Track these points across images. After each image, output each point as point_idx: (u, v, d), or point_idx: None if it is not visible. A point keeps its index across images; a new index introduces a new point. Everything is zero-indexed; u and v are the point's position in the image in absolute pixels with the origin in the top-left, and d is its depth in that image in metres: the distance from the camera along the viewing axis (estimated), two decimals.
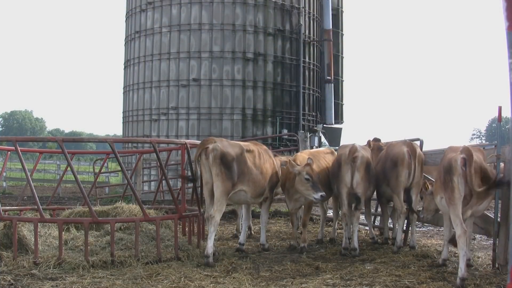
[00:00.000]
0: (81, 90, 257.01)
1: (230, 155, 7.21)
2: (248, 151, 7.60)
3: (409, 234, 8.45)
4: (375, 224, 10.58)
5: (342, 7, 26.49)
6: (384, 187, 8.33)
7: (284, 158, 9.36)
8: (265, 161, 7.88)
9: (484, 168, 5.98)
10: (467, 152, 5.90)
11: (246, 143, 7.99)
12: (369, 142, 9.06)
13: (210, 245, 7.06)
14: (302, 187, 7.71)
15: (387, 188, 8.22)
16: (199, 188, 7.94)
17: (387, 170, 8.07)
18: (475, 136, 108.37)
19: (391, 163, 8.02)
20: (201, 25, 20.55)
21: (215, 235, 9.73)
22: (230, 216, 12.42)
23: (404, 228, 8.74)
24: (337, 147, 10.82)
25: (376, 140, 9.16)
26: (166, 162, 10.62)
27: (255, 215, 11.47)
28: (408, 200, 8.13)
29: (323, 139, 23.36)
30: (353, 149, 7.84)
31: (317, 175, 7.77)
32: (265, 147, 8.33)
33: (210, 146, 7.15)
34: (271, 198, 8.30)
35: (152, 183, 19.59)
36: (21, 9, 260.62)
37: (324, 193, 7.67)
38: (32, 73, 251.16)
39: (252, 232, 10.04)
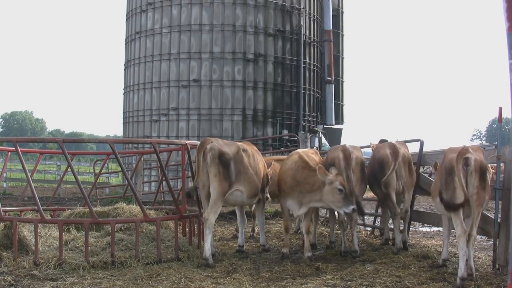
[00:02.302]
0: (82, 91, 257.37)
1: (228, 154, 7.14)
2: (244, 150, 7.52)
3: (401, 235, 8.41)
4: (376, 225, 10.58)
5: (342, 8, 26.51)
6: (376, 189, 8.33)
7: (271, 159, 9.32)
8: (258, 161, 7.80)
9: (483, 167, 5.97)
10: (464, 151, 5.90)
11: (240, 143, 7.88)
12: (372, 145, 9.06)
13: (207, 248, 7.03)
14: (332, 198, 7.02)
15: (379, 190, 8.21)
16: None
17: (376, 173, 8.06)
18: (475, 136, 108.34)
19: (378, 166, 8.01)
20: (202, 26, 20.56)
21: (216, 236, 9.77)
22: (230, 216, 12.43)
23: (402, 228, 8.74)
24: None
25: (383, 141, 9.11)
26: (167, 162, 10.62)
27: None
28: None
29: (323, 140, 23.38)
30: (346, 151, 7.54)
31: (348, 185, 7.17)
32: (255, 148, 8.20)
33: (208, 146, 7.07)
34: (264, 199, 8.17)
35: (153, 183, 19.61)
36: (21, 9, 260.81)
37: (355, 206, 7.04)
38: (32, 74, 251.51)
39: (255, 234, 10.02)
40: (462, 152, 5.90)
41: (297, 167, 7.42)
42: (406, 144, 8.66)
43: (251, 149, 7.85)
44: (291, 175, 7.45)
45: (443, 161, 6.44)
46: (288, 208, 7.69)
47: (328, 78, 23.77)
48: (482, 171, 5.92)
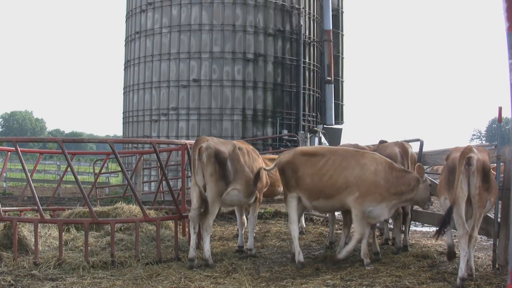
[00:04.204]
0: (82, 91, 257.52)
1: (224, 153, 6.99)
2: (239, 148, 7.39)
3: (402, 235, 8.39)
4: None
5: (342, 8, 26.51)
6: None
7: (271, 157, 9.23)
8: (254, 159, 7.63)
9: (486, 168, 5.95)
10: (468, 151, 5.88)
11: (235, 141, 7.74)
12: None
13: (207, 249, 7.00)
14: (424, 196, 7.02)
15: None
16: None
17: None
18: (475, 136, 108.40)
19: None
20: (201, 26, 20.56)
21: (215, 236, 9.77)
22: (230, 216, 12.42)
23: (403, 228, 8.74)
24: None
25: (382, 142, 9.12)
26: (166, 162, 10.62)
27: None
28: None
29: (323, 140, 23.38)
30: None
31: None
32: (252, 147, 8.04)
33: (203, 145, 6.91)
34: (260, 200, 7.98)
35: (152, 183, 19.60)
36: (21, 9, 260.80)
37: None
38: (32, 74, 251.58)
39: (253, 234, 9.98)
40: (465, 152, 5.89)
41: (384, 168, 6.98)
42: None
43: (247, 147, 7.73)
44: (384, 177, 6.91)
45: (447, 161, 6.42)
46: (369, 213, 6.96)
47: (328, 78, 23.77)
48: (484, 172, 5.89)
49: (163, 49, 21.15)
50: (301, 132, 17.05)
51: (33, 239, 7.10)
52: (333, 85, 24.08)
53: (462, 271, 5.75)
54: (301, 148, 7.79)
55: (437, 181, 7.39)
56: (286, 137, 20.36)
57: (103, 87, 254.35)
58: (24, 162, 7.35)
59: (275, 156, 10.79)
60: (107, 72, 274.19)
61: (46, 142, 33.83)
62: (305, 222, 10.98)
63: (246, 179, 7.31)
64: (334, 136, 24.20)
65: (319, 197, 7.04)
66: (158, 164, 9.58)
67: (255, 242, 9.14)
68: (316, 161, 7.07)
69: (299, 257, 7.01)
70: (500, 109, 6.71)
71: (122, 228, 8.63)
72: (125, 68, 23.69)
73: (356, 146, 8.45)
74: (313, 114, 22.57)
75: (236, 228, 10.23)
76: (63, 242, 6.92)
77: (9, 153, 10.25)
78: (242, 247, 8.09)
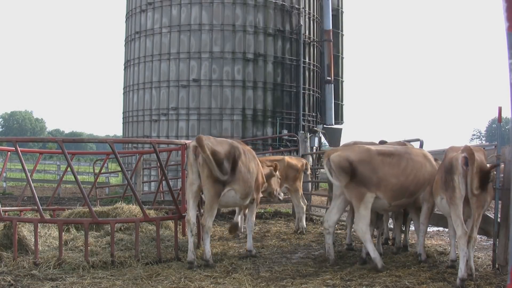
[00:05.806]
0: (81, 91, 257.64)
1: (220, 154, 6.86)
2: (236, 147, 7.22)
3: (403, 235, 8.38)
4: None
5: (342, 8, 26.53)
6: None
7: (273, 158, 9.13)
8: (250, 159, 7.48)
9: (483, 168, 5.97)
10: (469, 151, 5.88)
11: (230, 140, 7.57)
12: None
13: (207, 250, 6.94)
14: None
15: None
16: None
17: None
18: (475, 136, 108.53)
19: None
20: (201, 26, 20.57)
21: (215, 236, 9.77)
22: (230, 216, 12.42)
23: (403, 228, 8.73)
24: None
25: (382, 142, 9.08)
26: (166, 162, 10.62)
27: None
28: None
29: (323, 140, 23.39)
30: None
31: None
32: (248, 147, 7.84)
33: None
34: (258, 200, 7.87)
35: (152, 183, 19.61)
36: (21, 9, 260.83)
37: None
38: (32, 74, 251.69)
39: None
40: (462, 152, 5.90)
41: None
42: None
43: (243, 147, 7.57)
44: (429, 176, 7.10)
45: (443, 160, 6.43)
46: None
47: (328, 78, 23.78)
48: (482, 172, 5.91)
49: (163, 49, 21.15)
50: (301, 132, 17.04)
51: (33, 239, 7.09)
52: (333, 85, 24.11)
53: (462, 272, 5.75)
54: (371, 147, 7.20)
55: None
56: (286, 137, 20.37)
57: (103, 87, 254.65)
58: (24, 162, 7.34)
59: (276, 157, 10.81)
60: (107, 72, 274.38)
61: (46, 142, 33.83)
62: (305, 222, 10.97)
63: (243, 180, 7.19)
64: (334, 136, 24.23)
65: (402, 197, 6.92)
66: (158, 164, 9.57)
67: (254, 242, 9.15)
68: (396, 161, 6.87)
69: (380, 262, 6.73)
70: (500, 109, 6.70)
71: (122, 228, 8.63)
72: (125, 68, 23.70)
73: (372, 143, 8.36)
74: (313, 114, 22.57)
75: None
76: (63, 242, 6.92)
77: (9, 153, 10.25)
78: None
